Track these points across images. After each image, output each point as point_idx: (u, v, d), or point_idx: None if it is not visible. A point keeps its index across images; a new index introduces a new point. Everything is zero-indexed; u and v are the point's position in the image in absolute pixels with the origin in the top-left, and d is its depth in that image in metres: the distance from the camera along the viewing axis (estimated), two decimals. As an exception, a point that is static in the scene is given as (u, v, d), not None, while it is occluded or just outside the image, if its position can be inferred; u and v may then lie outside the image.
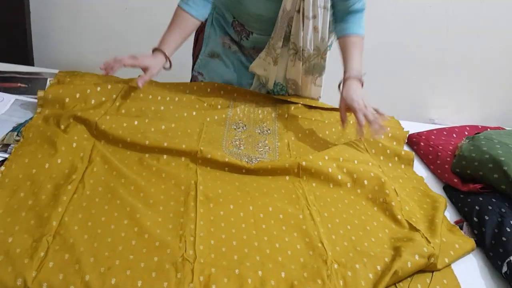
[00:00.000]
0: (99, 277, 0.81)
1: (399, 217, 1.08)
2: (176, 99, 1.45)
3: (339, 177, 1.19)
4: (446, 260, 0.98)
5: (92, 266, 0.83)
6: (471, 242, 1.05)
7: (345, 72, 1.38)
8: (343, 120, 1.36)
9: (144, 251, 0.89)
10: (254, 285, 0.86)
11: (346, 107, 1.34)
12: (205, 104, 1.47)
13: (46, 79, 1.38)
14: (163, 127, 1.28)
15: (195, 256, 0.89)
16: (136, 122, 1.26)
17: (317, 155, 1.23)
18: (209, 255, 0.91)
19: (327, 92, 1.58)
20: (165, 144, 1.20)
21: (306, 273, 0.90)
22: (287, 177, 1.19)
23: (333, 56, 1.51)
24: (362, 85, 1.35)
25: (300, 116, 1.51)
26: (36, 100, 1.25)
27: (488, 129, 1.46)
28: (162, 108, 1.37)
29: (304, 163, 1.19)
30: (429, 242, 0.98)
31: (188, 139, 1.26)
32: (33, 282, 0.78)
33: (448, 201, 1.22)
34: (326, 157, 1.23)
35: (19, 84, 1.32)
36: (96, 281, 0.80)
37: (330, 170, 1.19)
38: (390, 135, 1.45)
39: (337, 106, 1.43)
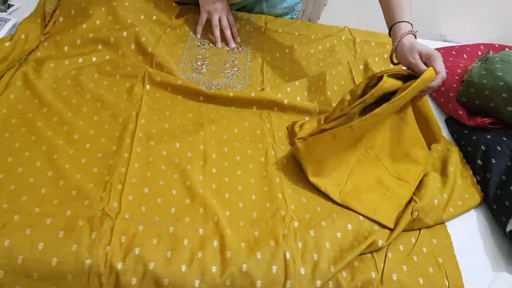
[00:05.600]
0: (-14, 237, 0.64)
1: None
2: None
3: (317, 109, 0.98)
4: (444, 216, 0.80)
5: (-19, 224, 0.65)
6: (475, 198, 0.86)
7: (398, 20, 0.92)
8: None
9: (55, 203, 0.71)
10: (190, 248, 0.68)
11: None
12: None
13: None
14: (112, 39, 1.05)
15: (119, 209, 0.71)
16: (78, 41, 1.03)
17: (294, 89, 1.02)
18: (138, 208, 0.73)
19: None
20: (108, 69, 0.99)
21: (257, 232, 0.72)
22: (254, 108, 0.98)
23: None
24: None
25: (280, 30, 1.26)
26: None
27: (507, 49, 1.20)
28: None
29: (279, 95, 0.98)
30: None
31: (138, 60, 1.04)
32: None
33: (450, 137, 1.02)
34: (306, 93, 1.01)
35: None
36: (-19, 243, 0.63)
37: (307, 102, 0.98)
38: (385, 55, 1.20)
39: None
